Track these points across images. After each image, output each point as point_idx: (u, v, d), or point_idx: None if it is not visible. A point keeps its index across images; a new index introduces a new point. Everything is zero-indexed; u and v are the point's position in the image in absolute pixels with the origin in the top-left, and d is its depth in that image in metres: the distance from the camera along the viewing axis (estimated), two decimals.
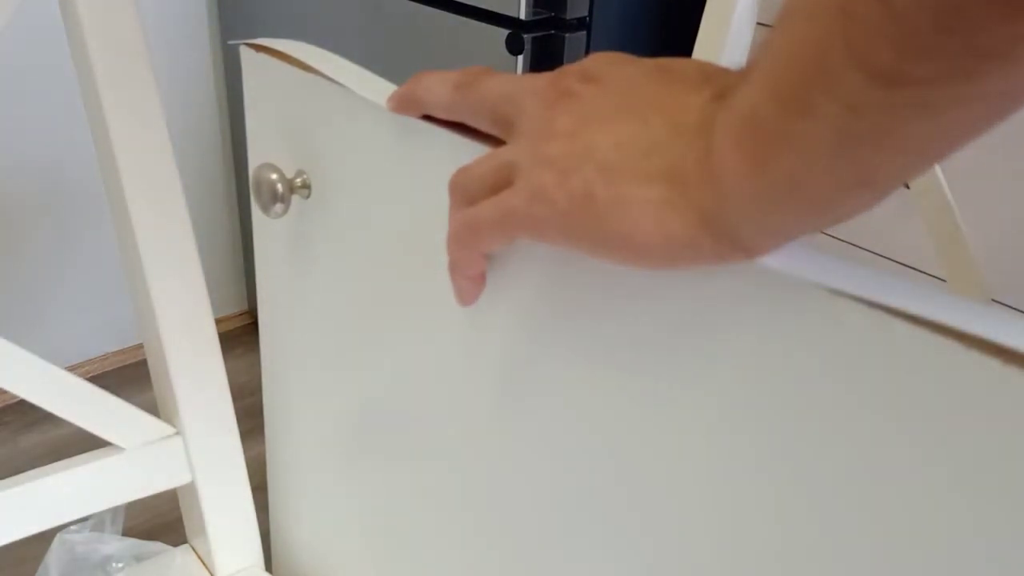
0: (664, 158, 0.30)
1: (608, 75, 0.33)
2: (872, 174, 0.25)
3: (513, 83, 0.36)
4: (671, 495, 0.38)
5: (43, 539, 0.73)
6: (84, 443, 0.64)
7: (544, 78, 0.35)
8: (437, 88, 0.39)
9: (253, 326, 2.13)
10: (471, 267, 0.38)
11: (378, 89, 0.46)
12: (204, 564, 0.78)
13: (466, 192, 0.36)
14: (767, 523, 0.34)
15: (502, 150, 0.35)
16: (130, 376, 1.92)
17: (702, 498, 0.36)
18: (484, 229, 0.35)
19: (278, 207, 0.52)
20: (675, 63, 0.33)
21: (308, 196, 0.54)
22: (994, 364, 0.26)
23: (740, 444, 0.34)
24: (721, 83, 0.30)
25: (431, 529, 0.55)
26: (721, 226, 0.29)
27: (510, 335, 0.43)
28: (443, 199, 0.44)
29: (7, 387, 0.59)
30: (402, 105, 0.42)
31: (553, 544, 0.45)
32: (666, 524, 0.38)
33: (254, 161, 0.57)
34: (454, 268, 0.38)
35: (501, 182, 0.34)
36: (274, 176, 0.51)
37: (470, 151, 0.40)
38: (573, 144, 0.31)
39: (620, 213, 0.30)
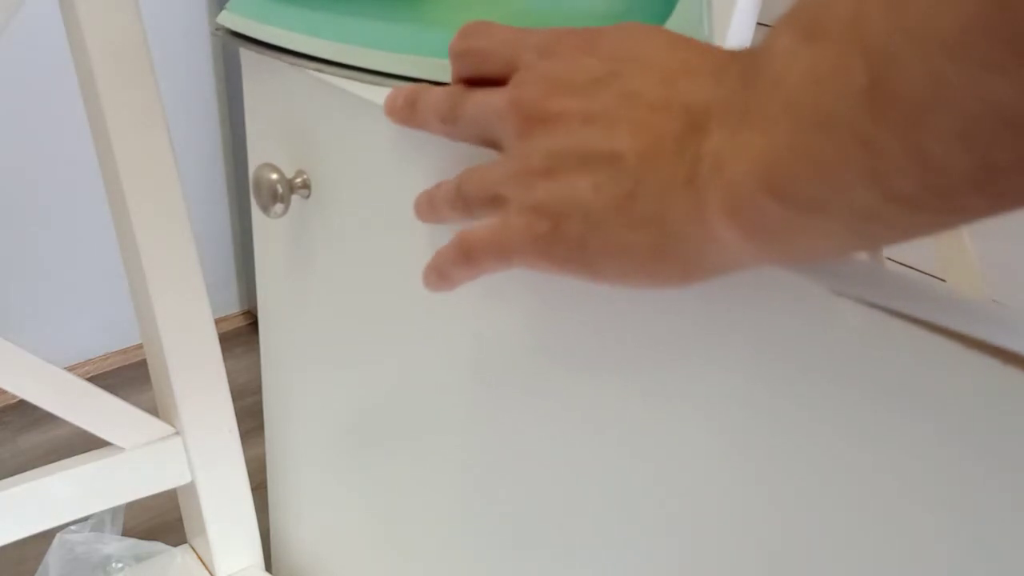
0: (648, 206, 0.29)
1: (571, 89, 0.32)
2: (877, 245, 0.25)
3: (484, 103, 0.35)
4: (672, 496, 0.38)
5: (43, 539, 0.73)
6: (84, 443, 0.64)
7: (506, 95, 0.34)
8: (431, 116, 0.39)
9: (253, 326, 2.13)
10: (459, 282, 0.38)
11: (378, 89, 0.46)
12: (204, 564, 0.78)
13: (467, 203, 0.37)
14: (766, 522, 0.34)
15: (496, 173, 0.35)
16: (130, 376, 1.92)
17: (702, 499, 0.36)
18: (482, 261, 0.35)
19: (278, 207, 0.52)
20: (636, 65, 0.31)
21: (308, 196, 0.54)
22: (994, 364, 0.26)
23: (738, 443, 0.34)
24: (693, 105, 0.28)
25: (430, 528, 0.55)
26: (715, 267, 0.29)
27: (511, 334, 0.43)
28: None
29: (7, 387, 0.59)
30: (400, 120, 0.42)
31: (553, 543, 0.45)
32: (667, 525, 0.38)
33: (254, 161, 0.57)
34: (443, 276, 0.38)
35: (496, 203, 0.35)
36: (274, 176, 0.51)
37: (470, 150, 0.40)
38: (554, 186, 0.31)
39: (613, 261, 0.30)
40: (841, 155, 0.22)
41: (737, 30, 0.46)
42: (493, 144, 0.36)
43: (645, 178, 0.29)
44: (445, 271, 0.37)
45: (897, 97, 0.20)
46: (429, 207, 0.40)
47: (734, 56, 0.28)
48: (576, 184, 0.31)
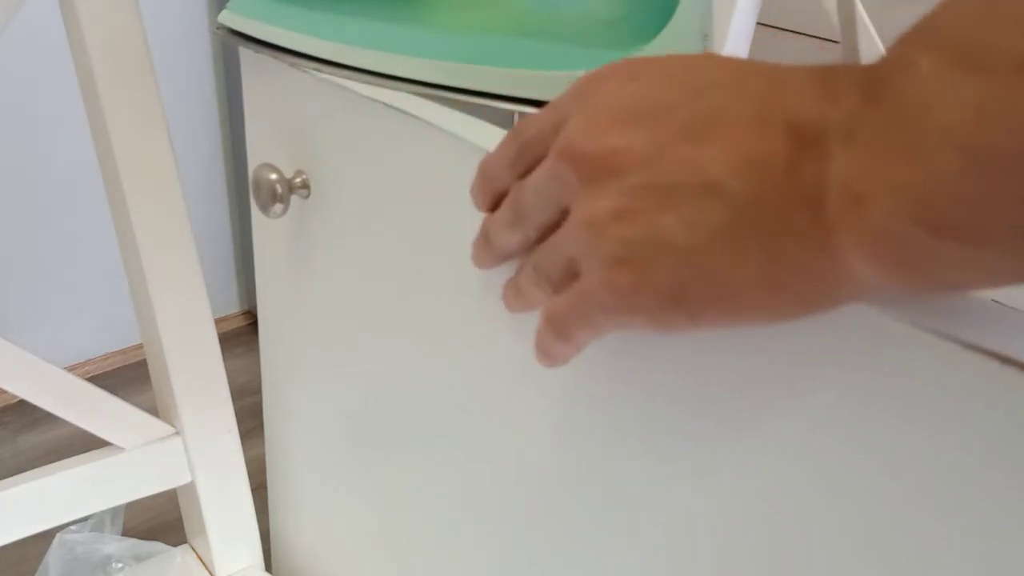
0: (757, 236, 0.26)
1: (629, 117, 0.28)
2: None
3: (535, 180, 0.32)
4: (668, 500, 0.38)
5: (43, 539, 0.73)
6: (84, 443, 0.64)
7: (552, 151, 0.30)
8: (504, 236, 0.35)
9: (253, 326, 2.13)
10: (565, 359, 0.35)
11: (377, 90, 0.46)
12: (204, 564, 0.78)
13: (547, 279, 0.33)
14: (770, 526, 0.34)
15: (564, 234, 0.31)
16: (130, 376, 1.92)
17: (714, 510, 0.36)
18: (573, 333, 0.32)
19: (277, 207, 0.52)
20: (704, 84, 0.28)
21: (307, 196, 0.54)
22: (993, 365, 0.26)
23: (734, 447, 0.34)
24: (798, 122, 0.25)
25: (430, 529, 0.55)
26: (837, 299, 0.27)
27: (514, 336, 0.43)
28: (442, 198, 0.44)
29: (7, 387, 0.59)
30: (486, 263, 0.38)
31: (553, 546, 0.45)
32: (653, 525, 0.38)
33: (253, 161, 0.57)
34: (548, 355, 0.34)
35: (572, 268, 0.32)
36: (273, 176, 0.51)
37: (471, 151, 0.40)
38: (632, 230, 0.27)
39: (720, 302, 0.27)
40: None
41: (737, 31, 0.46)
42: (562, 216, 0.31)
43: (750, 206, 0.26)
44: (548, 350, 0.34)
45: None
46: (517, 296, 0.37)
47: (829, 70, 0.26)
48: (659, 222, 0.27)
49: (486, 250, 0.37)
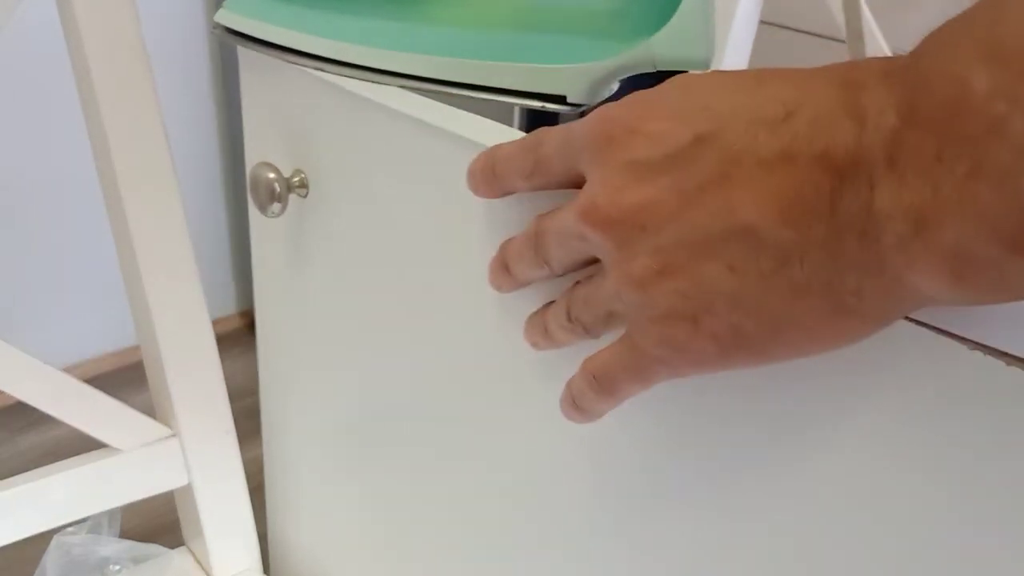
0: (807, 269, 0.25)
1: (648, 170, 0.27)
2: None
3: (559, 234, 0.32)
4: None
5: (40, 541, 0.73)
6: (81, 445, 0.64)
7: (574, 211, 0.30)
8: (526, 269, 0.36)
9: (250, 327, 2.13)
10: (602, 414, 0.34)
11: (375, 87, 0.46)
12: (201, 566, 0.78)
13: (584, 327, 0.34)
14: (777, 530, 0.34)
15: (604, 291, 0.31)
16: (127, 377, 1.92)
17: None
18: (622, 389, 0.32)
19: (275, 206, 0.51)
20: (721, 119, 0.26)
21: (306, 195, 0.54)
22: (998, 365, 0.26)
23: (733, 442, 0.34)
24: (828, 151, 0.24)
25: (429, 530, 0.55)
26: (900, 314, 0.26)
27: (513, 335, 0.43)
28: (442, 197, 0.43)
29: (5, 388, 0.59)
30: (505, 290, 0.38)
31: (553, 547, 0.45)
32: (663, 531, 0.38)
33: (251, 160, 0.57)
34: (582, 410, 0.34)
35: (613, 319, 0.32)
36: (271, 175, 0.51)
37: (469, 149, 0.39)
38: (677, 285, 0.27)
39: (782, 337, 0.27)
40: None
41: (738, 30, 0.46)
42: (596, 261, 0.31)
43: (793, 246, 0.25)
44: (584, 405, 0.34)
45: None
46: (545, 337, 0.37)
47: (849, 83, 0.25)
48: (703, 274, 0.27)
49: (505, 278, 0.37)
